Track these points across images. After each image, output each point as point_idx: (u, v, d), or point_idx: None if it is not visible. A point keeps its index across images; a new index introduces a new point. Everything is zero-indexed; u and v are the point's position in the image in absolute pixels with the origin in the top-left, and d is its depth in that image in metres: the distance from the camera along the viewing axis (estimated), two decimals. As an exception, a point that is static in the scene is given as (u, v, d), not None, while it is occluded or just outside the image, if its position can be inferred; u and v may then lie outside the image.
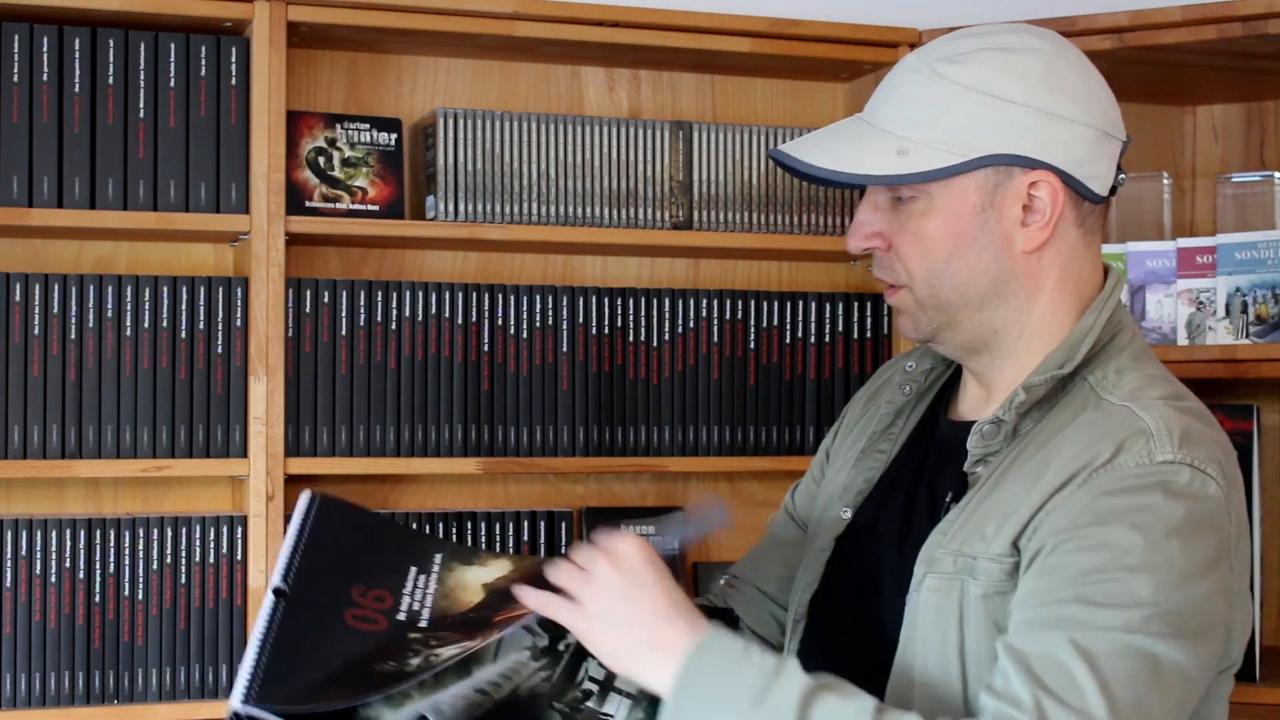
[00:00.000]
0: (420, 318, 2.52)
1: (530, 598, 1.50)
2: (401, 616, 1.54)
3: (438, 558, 1.61)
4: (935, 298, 1.56)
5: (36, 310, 2.35)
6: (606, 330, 2.62)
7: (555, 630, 1.52)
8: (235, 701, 1.45)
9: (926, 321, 1.58)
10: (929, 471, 1.62)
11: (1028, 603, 1.43)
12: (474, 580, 1.59)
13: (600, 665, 1.51)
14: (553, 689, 1.52)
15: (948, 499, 1.56)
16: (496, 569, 1.61)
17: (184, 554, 2.39)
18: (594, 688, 1.52)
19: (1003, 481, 1.50)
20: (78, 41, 2.36)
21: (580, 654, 1.52)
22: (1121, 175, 1.57)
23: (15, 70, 2.33)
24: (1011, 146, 1.50)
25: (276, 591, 1.52)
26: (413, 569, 1.59)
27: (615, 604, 1.47)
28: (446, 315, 2.53)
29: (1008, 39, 1.54)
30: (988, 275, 1.54)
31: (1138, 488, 1.42)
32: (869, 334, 2.73)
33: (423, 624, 1.53)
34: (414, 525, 2.51)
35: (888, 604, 1.55)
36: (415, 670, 1.47)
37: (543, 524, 2.60)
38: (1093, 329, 1.54)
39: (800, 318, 2.70)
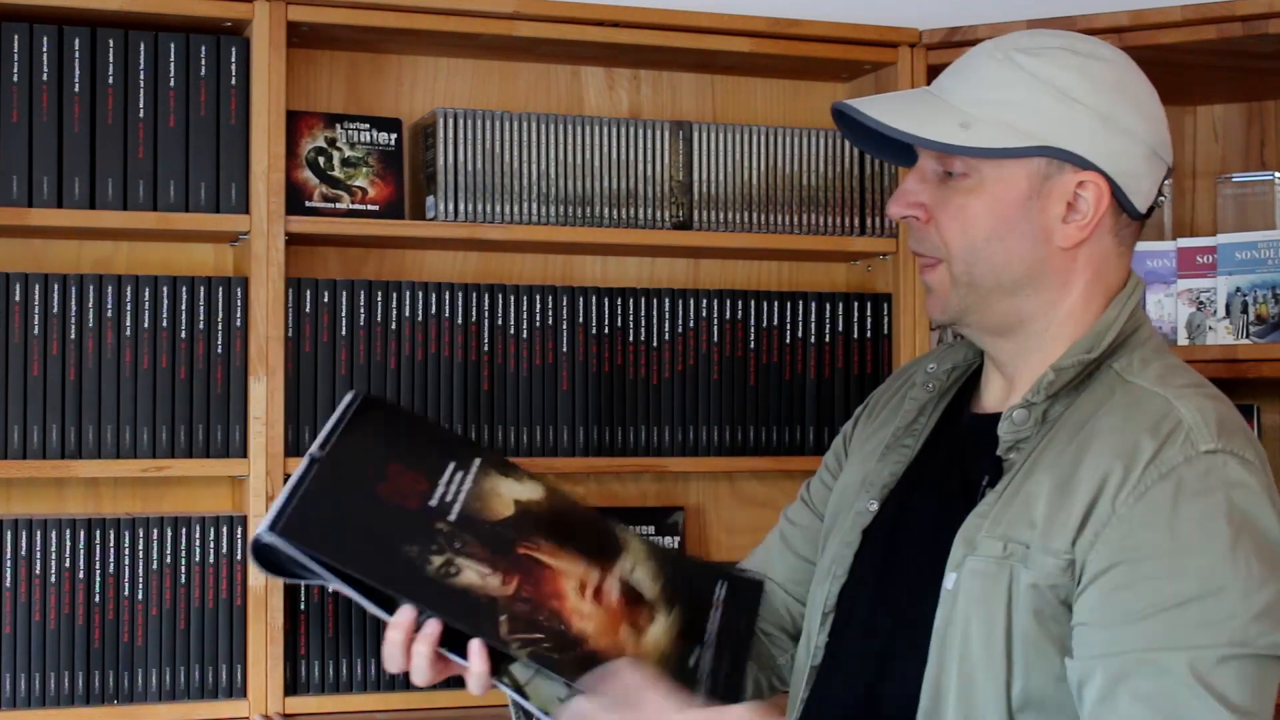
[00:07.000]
0: (420, 318, 2.52)
1: None
2: (433, 503, 1.55)
3: (477, 461, 1.62)
4: (970, 275, 1.58)
5: (36, 310, 2.35)
6: (606, 330, 2.61)
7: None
8: (262, 529, 1.46)
9: (957, 301, 1.60)
10: (960, 462, 1.63)
11: (1113, 627, 1.43)
12: (508, 492, 1.61)
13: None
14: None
15: (984, 484, 1.57)
16: (530, 490, 1.63)
17: (184, 554, 2.39)
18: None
19: (1037, 467, 1.52)
20: (78, 41, 2.36)
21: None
22: (1161, 198, 1.61)
23: (15, 70, 2.33)
24: (1070, 143, 1.53)
25: (312, 457, 1.53)
26: (451, 464, 1.60)
27: None
28: (446, 315, 2.53)
29: (1085, 45, 1.57)
30: (1023, 262, 1.56)
31: (1199, 491, 1.44)
32: (869, 334, 2.73)
33: (451, 518, 1.55)
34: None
35: (921, 590, 1.56)
36: (430, 576, 1.49)
37: (543, 524, 2.60)
38: (1117, 320, 1.57)
39: (800, 318, 2.70)
